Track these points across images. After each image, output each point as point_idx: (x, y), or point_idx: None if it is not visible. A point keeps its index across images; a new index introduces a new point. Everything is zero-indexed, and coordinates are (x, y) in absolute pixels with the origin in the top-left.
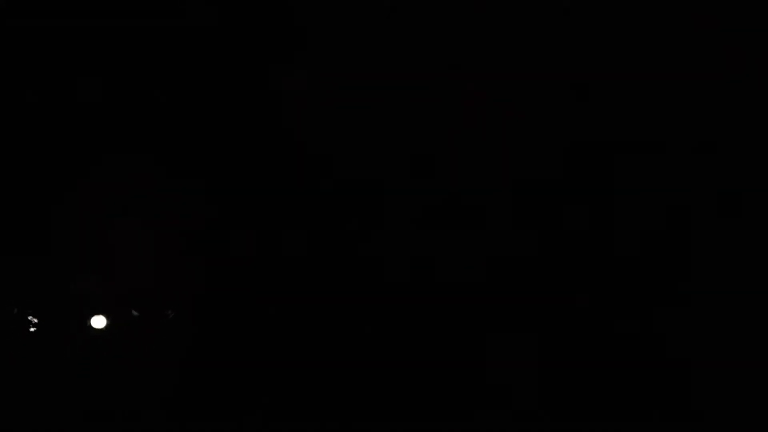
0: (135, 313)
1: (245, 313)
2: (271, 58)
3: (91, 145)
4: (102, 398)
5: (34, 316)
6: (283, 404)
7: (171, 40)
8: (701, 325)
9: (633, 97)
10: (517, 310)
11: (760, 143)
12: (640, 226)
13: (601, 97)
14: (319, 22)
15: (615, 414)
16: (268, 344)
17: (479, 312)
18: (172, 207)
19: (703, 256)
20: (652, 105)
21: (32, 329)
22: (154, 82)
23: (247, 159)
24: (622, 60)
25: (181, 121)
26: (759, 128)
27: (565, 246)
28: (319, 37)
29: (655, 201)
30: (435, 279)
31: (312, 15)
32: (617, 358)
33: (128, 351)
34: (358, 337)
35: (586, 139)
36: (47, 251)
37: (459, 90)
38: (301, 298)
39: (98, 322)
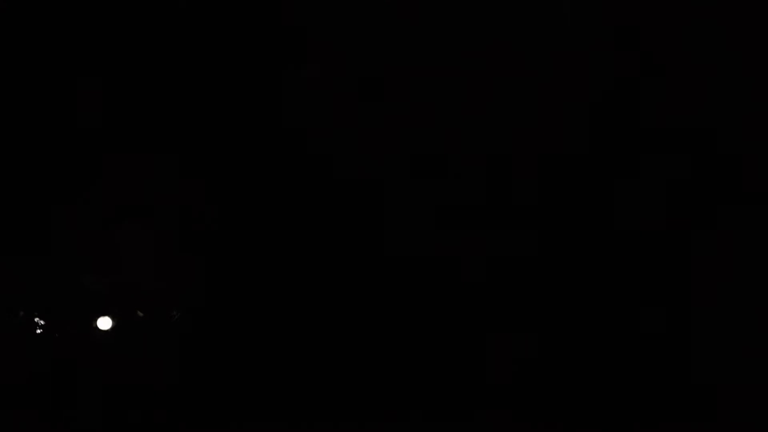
0: (140, 314)
1: (248, 312)
2: (275, 57)
3: (92, 145)
4: (107, 398)
5: (40, 318)
6: (283, 404)
7: (170, 40)
8: (700, 326)
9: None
10: (516, 310)
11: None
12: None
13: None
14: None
15: (614, 414)
16: (268, 344)
17: (479, 312)
18: (175, 207)
19: (702, 256)
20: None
21: (38, 331)
22: (152, 82)
23: (247, 158)
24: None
25: (181, 121)
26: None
27: (564, 246)
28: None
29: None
30: (434, 279)
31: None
32: (617, 358)
33: (134, 351)
34: (358, 338)
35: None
36: (50, 252)
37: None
38: (300, 299)
39: (104, 323)
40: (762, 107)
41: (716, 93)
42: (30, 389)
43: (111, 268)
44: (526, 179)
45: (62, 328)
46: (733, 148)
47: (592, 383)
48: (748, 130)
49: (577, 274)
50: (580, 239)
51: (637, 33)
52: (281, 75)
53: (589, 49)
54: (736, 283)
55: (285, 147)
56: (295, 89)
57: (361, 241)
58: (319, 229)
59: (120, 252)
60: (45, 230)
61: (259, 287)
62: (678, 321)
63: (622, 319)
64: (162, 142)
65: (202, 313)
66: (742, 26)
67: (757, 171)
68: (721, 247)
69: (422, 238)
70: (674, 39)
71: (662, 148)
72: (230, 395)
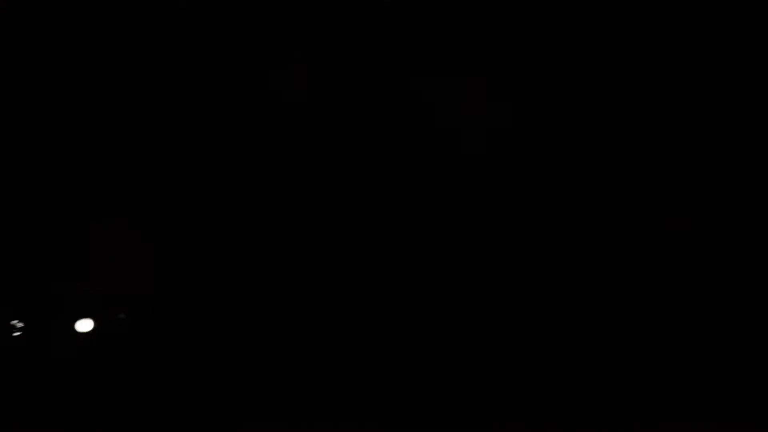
0: (121, 315)
1: (248, 312)
2: (266, 57)
3: (82, 147)
4: (90, 400)
5: (18, 320)
6: (283, 404)
7: (168, 39)
8: (700, 326)
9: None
10: (516, 310)
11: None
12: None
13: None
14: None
15: (615, 414)
16: (267, 344)
17: (479, 312)
18: (163, 208)
19: (702, 256)
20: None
21: (16, 333)
22: (149, 82)
23: (243, 158)
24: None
25: (177, 120)
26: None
27: (564, 246)
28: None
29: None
30: (434, 279)
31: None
32: (617, 358)
33: (115, 353)
34: (357, 338)
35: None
36: (31, 255)
37: None
38: (300, 299)
39: (84, 325)
40: (762, 107)
41: (716, 93)
42: (8, 392)
43: (91, 269)
44: (527, 179)
45: (42, 331)
46: (733, 148)
47: (592, 383)
48: (749, 129)
49: (576, 274)
50: (580, 239)
51: (634, 31)
52: (269, 75)
53: (585, 47)
54: (736, 283)
55: (283, 147)
56: (285, 88)
57: (360, 242)
58: (319, 229)
59: (102, 253)
60: (22, 232)
61: (259, 287)
62: (678, 321)
63: (622, 319)
64: (154, 143)
65: (201, 312)
66: (742, 26)
67: (758, 171)
68: (721, 247)
69: (422, 239)
70: (674, 39)
71: (662, 148)
72: (230, 395)
